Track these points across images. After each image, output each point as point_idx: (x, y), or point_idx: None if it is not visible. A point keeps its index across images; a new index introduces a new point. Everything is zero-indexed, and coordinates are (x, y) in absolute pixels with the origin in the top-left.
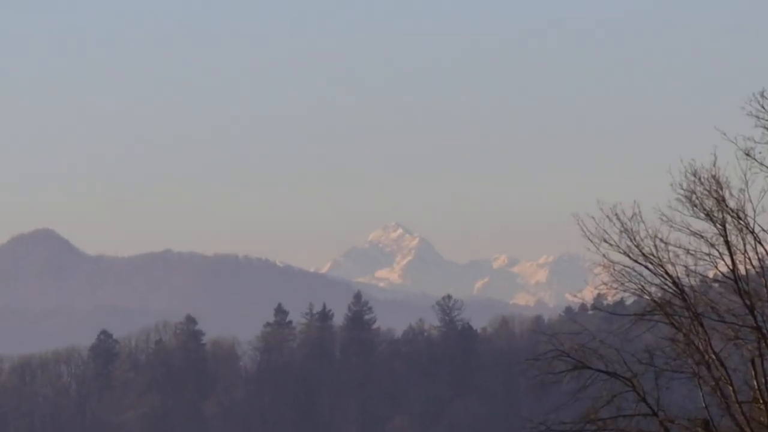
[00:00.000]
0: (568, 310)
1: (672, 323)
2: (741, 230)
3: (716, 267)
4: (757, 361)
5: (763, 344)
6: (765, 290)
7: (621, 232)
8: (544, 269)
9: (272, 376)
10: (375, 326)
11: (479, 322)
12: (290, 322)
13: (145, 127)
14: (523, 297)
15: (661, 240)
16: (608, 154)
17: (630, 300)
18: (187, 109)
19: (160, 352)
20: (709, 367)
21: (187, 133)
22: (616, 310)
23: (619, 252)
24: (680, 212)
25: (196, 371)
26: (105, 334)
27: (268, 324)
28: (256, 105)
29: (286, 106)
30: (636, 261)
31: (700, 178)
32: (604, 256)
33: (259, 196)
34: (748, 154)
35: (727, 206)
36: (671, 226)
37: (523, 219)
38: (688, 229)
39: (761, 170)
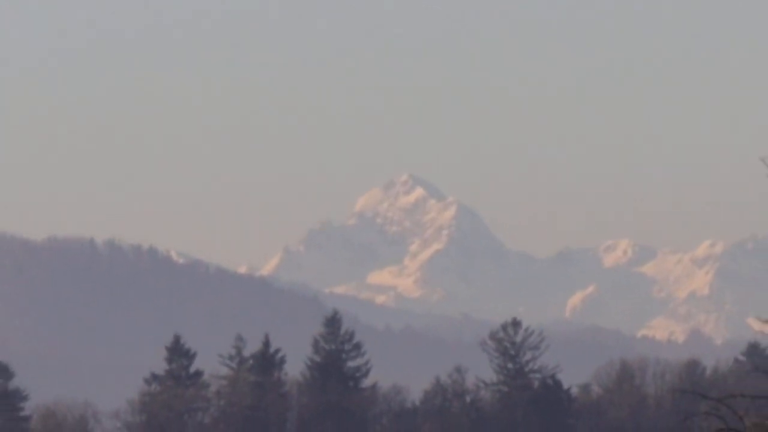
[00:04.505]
0: (753, 350)
1: None
2: None
3: None
4: None
5: None
6: None
7: None
8: (706, 270)
9: None
10: (367, 383)
11: (577, 374)
12: (198, 373)
13: None
14: (663, 324)
15: None
16: None
17: None
18: None
19: None
20: None
21: None
22: None
23: None
24: None
25: None
26: None
27: (153, 377)
28: None
29: None
30: None
31: None
32: None
33: (134, 137)
34: None
35: None
36: None
37: (662, 175)
38: None
39: None
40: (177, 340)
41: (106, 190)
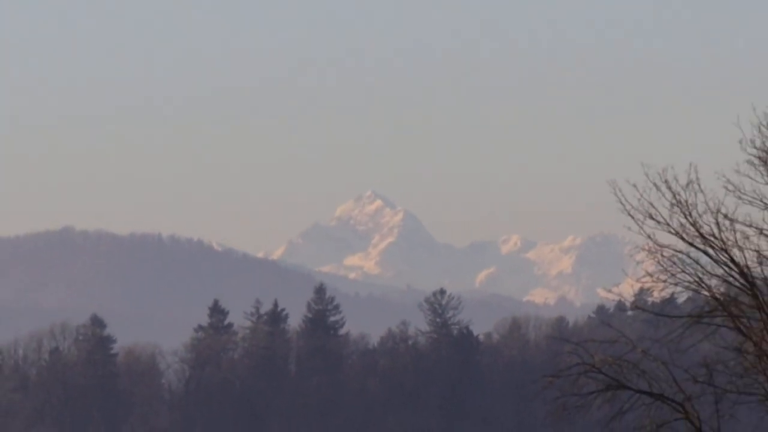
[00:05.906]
0: (601, 310)
1: (738, 328)
2: None
3: None
4: None
5: None
6: None
7: (672, 205)
8: (570, 255)
9: (205, 398)
10: (343, 331)
11: (482, 326)
12: (230, 325)
13: (37, 79)
14: (540, 293)
15: (726, 216)
16: (654, 103)
17: (683, 297)
18: (92, 56)
19: (55, 366)
20: None
21: (87, 79)
22: (665, 311)
23: (670, 232)
24: (752, 179)
25: (104, 391)
26: None
27: (200, 328)
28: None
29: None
30: (692, 245)
31: None
32: (649, 237)
33: (189, 160)
34: None
35: None
36: (740, 198)
37: (540, 188)
38: (761, 201)
39: None
40: (216, 302)
41: (170, 199)
